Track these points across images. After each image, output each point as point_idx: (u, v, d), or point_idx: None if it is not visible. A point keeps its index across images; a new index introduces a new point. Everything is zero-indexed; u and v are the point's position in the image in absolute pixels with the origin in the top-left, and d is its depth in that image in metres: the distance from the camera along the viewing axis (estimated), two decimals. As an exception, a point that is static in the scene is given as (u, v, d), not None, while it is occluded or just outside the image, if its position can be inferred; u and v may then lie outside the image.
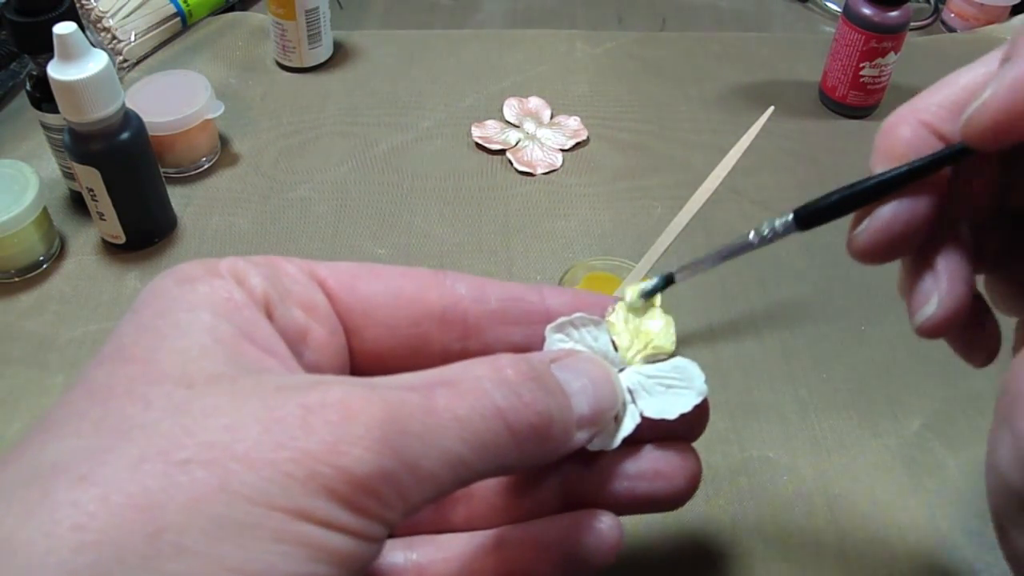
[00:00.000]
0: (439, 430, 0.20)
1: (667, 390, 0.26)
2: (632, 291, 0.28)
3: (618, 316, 0.27)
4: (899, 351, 0.48)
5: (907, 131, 0.24)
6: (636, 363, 0.27)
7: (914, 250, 0.25)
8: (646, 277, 0.29)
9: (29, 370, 0.45)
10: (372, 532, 0.19)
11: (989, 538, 0.39)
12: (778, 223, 0.26)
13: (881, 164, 0.24)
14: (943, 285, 0.24)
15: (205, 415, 0.18)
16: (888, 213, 0.24)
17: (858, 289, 0.51)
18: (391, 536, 0.26)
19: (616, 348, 0.27)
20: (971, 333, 0.26)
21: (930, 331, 0.24)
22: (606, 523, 0.25)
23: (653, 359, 0.27)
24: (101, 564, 0.16)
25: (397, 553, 0.26)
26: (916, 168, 0.24)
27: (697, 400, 0.26)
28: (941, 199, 0.24)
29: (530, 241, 0.54)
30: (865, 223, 0.24)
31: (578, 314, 0.27)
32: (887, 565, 0.38)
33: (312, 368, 0.24)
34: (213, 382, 0.19)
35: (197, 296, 0.21)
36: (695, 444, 0.28)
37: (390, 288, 0.25)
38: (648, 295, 0.28)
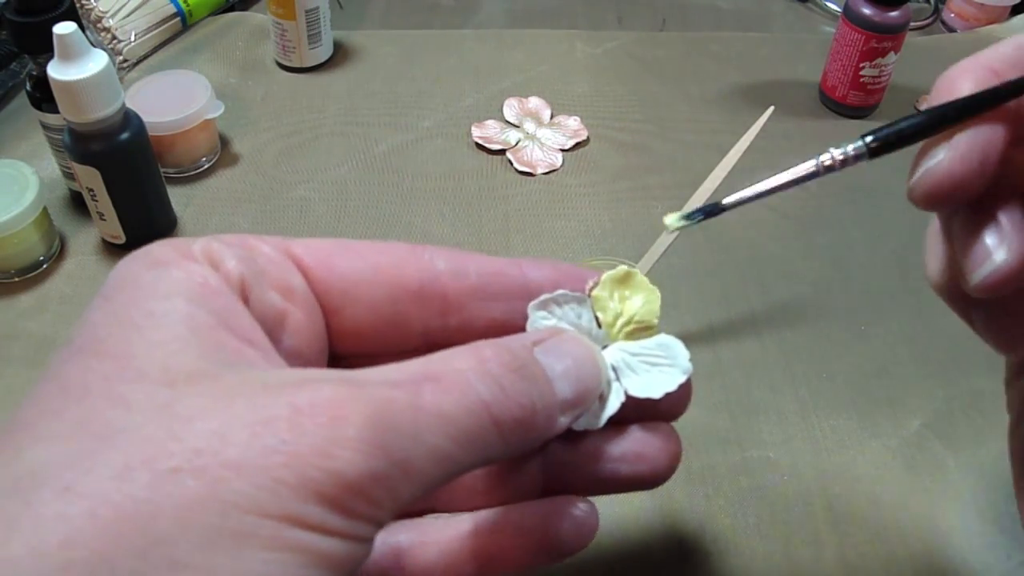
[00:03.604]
0: (427, 427, 0.19)
1: (652, 368, 0.26)
2: (674, 216, 0.27)
3: (601, 291, 0.27)
4: (899, 351, 0.48)
5: (971, 80, 0.22)
6: (620, 339, 0.27)
7: (974, 198, 0.23)
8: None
9: (29, 370, 0.45)
10: (363, 533, 0.19)
11: (989, 538, 0.39)
12: (851, 148, 0.23)
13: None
14: (1010, 234, 0.22)
15: (191, 418, 0.18)
16: (966, 140, 0.22)
17: (858, 289, 0.51)
18: None
19: (600, 325, 0.27)
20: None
21: (997, 282, 0.22)
22: (583, 510, 0.25)
23: (638, 335, 0.27)
24: None
25: (376, 537, 0.26)
26: (1002, 89, 0.22)
27: (682, 379, 0.26)
28: (1015, 130, 0.22)
29: (530, 241, 0.54)
30: (940, 151, 0.22)
31: (560, 291, 0.26)
32: (887, 565, 0.38)
33: (291, 354, 0.23)
34: (195, 380, 0.19)
35: (171, 282, 0.20)
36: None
37: (368, 264, 0.25)
38: (690, 220, 0.27)
